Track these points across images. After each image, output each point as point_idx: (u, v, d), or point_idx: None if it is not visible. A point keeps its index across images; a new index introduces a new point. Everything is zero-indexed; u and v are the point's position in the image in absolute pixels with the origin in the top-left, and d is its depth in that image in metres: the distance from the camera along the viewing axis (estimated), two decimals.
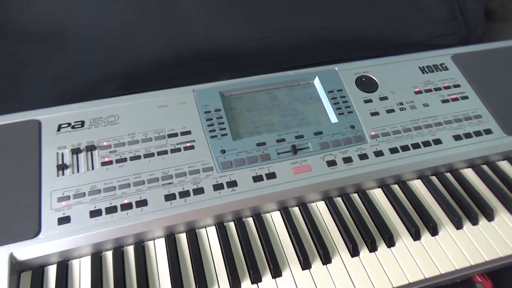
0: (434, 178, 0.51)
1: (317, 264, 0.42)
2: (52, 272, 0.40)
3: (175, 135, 0.49)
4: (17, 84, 0.65)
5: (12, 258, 0.39)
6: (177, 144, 0.48)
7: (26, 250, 0.40)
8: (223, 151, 0.48)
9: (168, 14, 0.71)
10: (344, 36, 0.75)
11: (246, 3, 0.72)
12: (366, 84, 0.56)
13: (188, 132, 0.49)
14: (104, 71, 0.67)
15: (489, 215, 0.47)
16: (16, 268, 0.40)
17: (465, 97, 0.56)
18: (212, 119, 0.50)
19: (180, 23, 0.71)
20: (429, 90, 0.56)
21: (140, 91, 0.55)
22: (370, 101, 0.54)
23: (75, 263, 0.41)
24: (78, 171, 0.45)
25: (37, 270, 0.40)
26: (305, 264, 0.41)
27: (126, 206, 0.43)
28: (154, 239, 0.43)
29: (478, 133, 0.53)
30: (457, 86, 0.57)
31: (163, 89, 0.54)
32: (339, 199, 0.49)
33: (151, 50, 0.70)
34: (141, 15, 0.70)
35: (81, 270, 0.41)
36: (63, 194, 0.43)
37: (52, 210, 0.42)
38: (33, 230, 0.41)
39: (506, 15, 0.85)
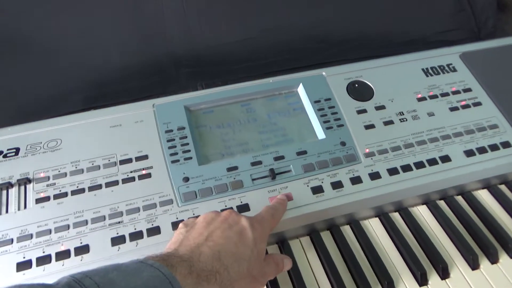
0: (442, 203, 0.43)
1: None
2: None
3: (129, 161, 0.41)
4: None
5: None
6: (131, 172, 0.40)
7: None
8: (186, 179, 0.40)
9: (139, 15, 0.63)
10: (336, 35, 0.66)
11: (224, 4, 0.64)
12: (359, 91, 0.48)
13: (145, 157, 0.41)
14: (68, 82, 0.59)
15: (507, 247, 0.38)
16: None
17: (478, 103, 0.47)
18: (174, 140, 0.42)
19: (153, 25, 0.63)
20: (434, 96, 0.48)
21: (109, 104, 0.48)
22: (364, 111, 0.46)
23: None
24: (7, 211, 0.37)
25: None
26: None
27: (63, 255, 0.35)
28: None
29: (494, 147, 0.44)
30: (468, 90, 0.48)
31: (124, 104, 0.47)
32: (327, 232, 0.40)
33: (121, 56, 0.62)
34: (108, 16, 0.62)
35: None
36: None
37: None
38: None
39: None
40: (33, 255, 0.35)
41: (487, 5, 0.69)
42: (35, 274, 0.34)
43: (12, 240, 0.35)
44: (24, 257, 0.35)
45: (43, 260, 0.35)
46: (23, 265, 0.34)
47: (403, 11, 0.71)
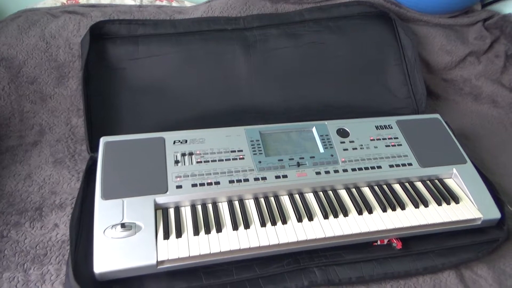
0: (376, 187, 0.90)
1: (305, 221, 0.80)
2: (171, 212, 0.80)
3: (234, 151, 0.89)
4: (135, 118, 1.07)
5: (155, 202, 0.79)
6: (235, 156, 0.89)
7: (161, 199, 0.80)
8: (260, 162, 0.88)
9: (227, 82, 1.14)
10: (336, 104, 1.16)
11: (275, 80, 1.15)
12: (342, 133, 0.97)
13: (241, 150, 0.90)
14: (187, 114, 1.08)
15: (402, 207, 0.85)
16: (156, 207, 0.79)
17: (400, 145, 0.96)
18: (254, 145, 0.91)
19: (234, 89, 1.14)
20: (379, 139, 0.97)
21: (206, 127, 0.97)
22: (343, 142, 0.95)
23: (182, 209, 0.81)
24: (184, 164, 0.86)
25: (165, 210, 0.80)
26: (299, 220, 0.80)
27: (209, 184, 0.83)
28: (221, 202, 0.83)
29: (404, 165, 0.92)
30: (396, 138, 0.97)
31: (225, 127, 0.97)
32: (321, 193, 0.87)
33: (216, 104, 1.11)
34: (210, 82, 1.14)
35: (186, 213, 0.80)
36: (178, 174, 0.84)
37: (173, 181, 0.82)
38: (165, 190, 0.81)
39: (443, 96, 1.28)
40: (197, 182, 0.83)
41: (422, 96, 1.18)
42: (198, 189, 0.82)
43: (188, 175, 0.84)
44: (194, 182, 0.83)
45: (202, 184, 0.82)
46: (193, 185, 0.82)
47: (377, 95, 1.20)
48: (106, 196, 0.78)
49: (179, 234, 0.75)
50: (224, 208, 0.82)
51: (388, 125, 1.00)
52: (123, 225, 0.74)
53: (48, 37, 1.13)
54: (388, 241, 0.83)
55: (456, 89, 1.29)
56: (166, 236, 0.75)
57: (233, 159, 0.88)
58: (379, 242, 0.83)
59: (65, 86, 1.12)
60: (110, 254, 0.71)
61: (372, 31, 1.25)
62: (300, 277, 0.77)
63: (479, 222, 0.86)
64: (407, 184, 0.91)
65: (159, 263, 0.71)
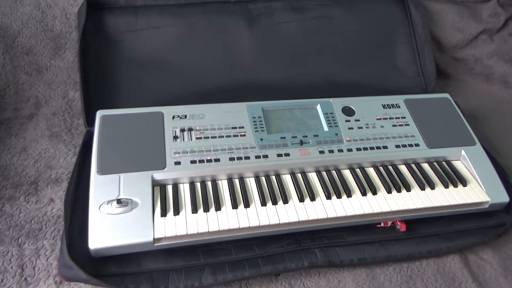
0: (381, 168, 0.87)
1: (307, 201, 0.78)
2: (169, 189, 0.78)
3: (235, 128, 0.86)
4: (133, 92, 1.04)
5: (152, 178, 0.77)
6: (236, 132, 0.85)
7: (159, 175, 0.77)
8: (261, 139, 0.85)
9: (229, 57, 1.10)
10: (342, 81, 1.12)
11: (279, 55, 1.11)
12: (347, 111, 0.93)
13: (242, 127, 0.87)
14: (187, 89, 1.05)
15: (408, 188, 0.82)
16: (153, 183, 0.77)
17: (407, 124, 0.93)
18: (256, 122, 0.88)
19: (236, 64, 1.09)
20: (385, 118, 0.93)
21: (207, 102, 0.94)
22: (349, 121, 0.91)
23: (180, 186, 0.78)
24: (183, 140, 0.83)
25: (163, 186, 0.77)
26: (301, 199, 0.77)
27: (209, 161, 0.80)
28: (221, 180, 0.80)
29: (411, 145, 0.89)
30: (404, 117, 0.94)
31: (226, 103, 0.93)
32: (324, 172, 0.85)
33: (217, 79, 1.08)
34: (211, 56, 1.09)
35: (184, 190, 0.78)
36: (176, 150, 0.81)
37: (171, 158, 0.80)
38: (163, 166, 0.78)
39: (454, 76, 1.23)
40: (196, 159, 0.80)
41: (432, 75, 1.14)
42: (197, 166, 0.79)
43: (187, 151, 0.81)
44: (193, 159, 0.80)
45: (201, 161, 0.80)
46: (192, 162, 0.79)
47: (384, 73, 1.16)
48: (102, 171, 0.76)
49: (176, 211, 0.73)
50: (223, 186, 0.79)
51: (396, 104, 0.97)
52: (119, 201, 0.71)
53: (43, 6, 1.08)
54: (392, 223, 0.81)
55: (467, 68, 1.25)
56: (164, 213, 0.73)
57: (233, 135, 0.85)
58: (382, 224, 0.81)
59: (61, 58, 1.08)
60: (106, 230, 0.69)
61: (381, 6, 1.19)
62: (300, 257, 0.75)
63: (487, 206, 0.83)
64: (413, 165, 0.88)
65: (156, 240, 0.69)
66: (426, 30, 1.16)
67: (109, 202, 0.72)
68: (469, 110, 1.12)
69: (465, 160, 0.90)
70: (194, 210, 0.74)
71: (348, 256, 0.77)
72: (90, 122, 0.92)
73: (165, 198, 0.75)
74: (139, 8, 1.07)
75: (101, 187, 0.74)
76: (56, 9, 1.08)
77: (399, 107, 0.96)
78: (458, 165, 0.90)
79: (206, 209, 0.74)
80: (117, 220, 0.70)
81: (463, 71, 1.25)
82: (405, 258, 0.78)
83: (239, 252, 0.75)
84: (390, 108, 0.96)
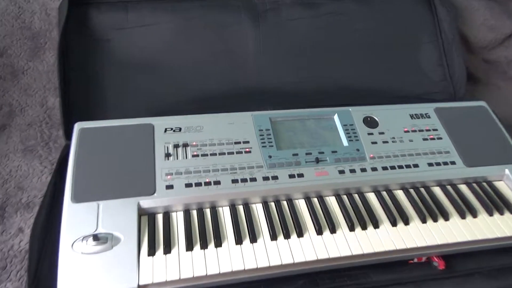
0: (411, 190, 0.73)
1: (326, 233, 0.65)
2: (160, 218, 0.64)
3: (239, 142, 0.73)
4: (121, 99, 0.91)
5: (138, 205, 0.63)
6: (240, 148, 0.72)
7: (146, 202, 0.64)
8: (270, 156, 0.72)
9: (231, 58, 0.97)
10: (358, 86, 0.99)
11: (287, 57, 0.97)
12: (370, 122, 0.80)
13: (248, 142, 0.74)
14: (184, 96, 0.92)
15: (446, 217, 0.68)
16: (140, 212, 0.63)
17: (440, 138, 0.79)
18: (263, 135, 0.75)
19: (239, 66, 0.97)
20: (414, 131, 0.80)
21: (205, 112, 0.81)
22: (372, 134, 0.78)
23: (173, 216, 0.65)
24: (177, 158, 0.70)
25: (151, 215, 0.64)
26: (319, 232, 0.64)
27: (207, 183, 0.67)
28: (222, 207, 0.67)
29: (445, 163, 0.76)
30: (435, 130, 0.81)
31: (228, 112, 0.80)
32: (345, 196, 0.71)
33: (217, 84, 0.95)
34: (211, 58, 0.96)
35: (178, 220, 0.64)
36: (168, 171, 0.68)
37: (162, 180, 0.66)
38: (152, 191, 0.65)
39: (484, 80, 1.10)
40: (192, 181, 0.67)
41: (461, 78, 1.01)
42: (194, 190, 0.66)
43: (181, 172, 0.68)
44: (188, 181, 0.67)
45: (198, 184, 0.66)
46: (188, 185, 0.66)
47: (407, 77, 1.04)
48: (77, 198, 0.63)
49: (168, 249, 0.60)
50: (225, 215, 0.66)
51: (425, 114, 0.83)
52: (96, 237, 0.58)
53: (20, 0, 0.95)
54: (427, 258, 0.68)
55: (499, 72, 1.11)
56: (152, 251, 0.59)
57: (237, 152, 0.72)
58: (416, 260, 0.68)
59: (40, 60, 0.95)
60: (79, 275, 0.55)
61: (402, 0, 1.06)
62: None
63: None
64: (449, 188, 0.75)
65: (141, 287, 0.56)
66: (453, 28, 1.02)
67: (84, 238, 0.59)
68: (503, 119, 0.98)
69: (509, 180, 0.76)
70: (189, 246, 0.60)
71: None
72: (70, 134, 0.79)
73: (154, 231, 0.62)
74: (130, 2, 0.94)
75: (75, 219, 0.61)
76: (35, 3, 0.96)
77: (429, 117, 0.83)
78: (501, 186, 0.76)
79: (204, 245, 0.61)
80: (94, 261, 0.57)
81: (494, 74, 1.11)
82: None
83: None
84: (419, 118, 0.82)
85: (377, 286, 0.65)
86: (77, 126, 0.72)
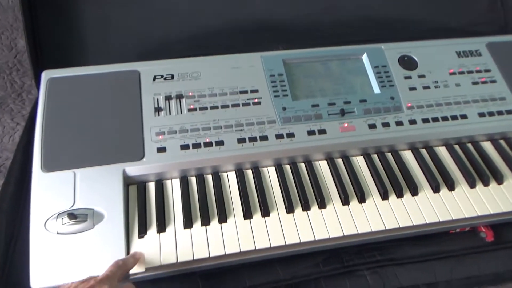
0: (457, 147, 0.61)
1: (354, 203, 0.53)
2: (151, 187, 0.53)
3: (246, 92, 0.60)
4: (105, 40, 0.76)
5: (124, 173, 0.52)
6: (247, 99, 0.59)
7: (134, 169, 0.52)
8: (284, 109, 0.59)
9: None
10: (386, 16, 0.82)
11: None
12: (407, 63, 0.65)
13: (256, 91, 0.60)
14: (175, 34, 0.77)
15: (499, 179, 0.57)
16: (126, 181, 0.52)
17: (494, 81, 0.65)
18: (275, 82, 0.61)
19: None
20: (462, 72, 0.65)
21: (204, 54, 0.66)
22: (409, 77, 0.64)
23: (168, 183, 0.54)
24: (170, 113, 0.57)
25: (141, 184, 0.53)
26: (345, 202, 0.53)
27: (208, 144, 0.55)
28: (227, 172, 0.55)
29: (500, 113, 0.62)
30: (488, 71, 0.66)
31: (231, 54, 0.65)
32: (375, 156, 0.59)
33: (216, 18, 0.79)
34: None
35: (173, 189, 0.53)
36: (160, 130, 0.55)
37: (152, 141, 0.54)
38: (140, 155, 0.53)
39: None
40: (189, 142, 0.55)
41: None
42: (192, 153, 0.54)
43: (176, 131, 0.55)
44: (184, 142, 0.54)
45: (197, 145, 0.54)
46: (184, 147, 0.54)
47: (444, 4, 0.86)
48: (48, 166, 0.51)
49: (162, 226, 0.49)
50: (231, 182, 0.54)
51: (475, 51, 0.67)
52: (72, 215, 0.47)
53: None
54: (472, 227, 0.57)
55: None
56: (143, 230, 0.49)
57: (243, 104, 0.58)
58: (457, 230, 0.57)
59: None
60: (54, 260, 0.46)
61: None
62: (343, 283, 0.52)
63: None
64: (502, 143, 0.61)
65: (130, 274, 0.46)
66: None
67: (59, 215, 0.48)
68: None
69: None
70: (188, 223, 0.50)
71: (411, 279, 0.53)
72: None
73: (144, 205, 0.51)
74: None
75: (47, 192, 0.49)
76: None
77: (480, 54, 0.67)
78: None
79: (206, 221, 0.50)
80: (72, 243, 0.47)
81: None
82: (491, 280, 0.55)
83: (254, 277, 0.52)
84: (468, 56, 0.67)
85: (413, 262, 0.55)
86: (45, 75, 0.58)
